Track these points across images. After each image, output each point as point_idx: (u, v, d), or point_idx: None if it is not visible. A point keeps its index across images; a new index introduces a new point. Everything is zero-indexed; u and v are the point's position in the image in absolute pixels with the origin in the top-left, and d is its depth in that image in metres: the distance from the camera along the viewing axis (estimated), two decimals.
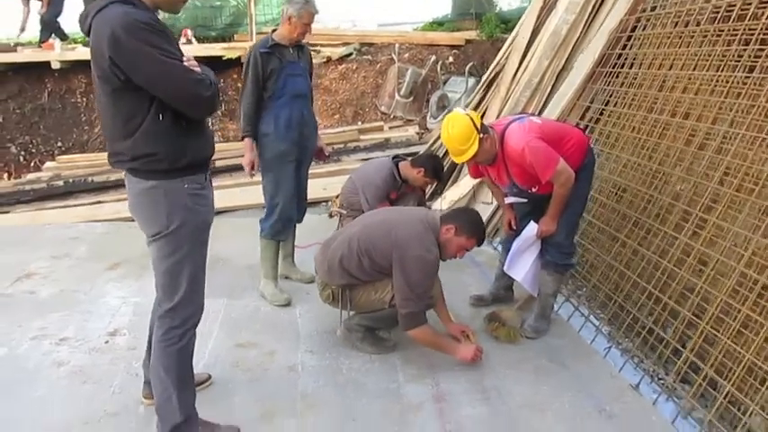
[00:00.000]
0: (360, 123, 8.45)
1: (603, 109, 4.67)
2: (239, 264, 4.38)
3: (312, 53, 4.21)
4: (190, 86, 2.11)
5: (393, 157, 4.34)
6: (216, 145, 7.50)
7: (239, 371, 3.06)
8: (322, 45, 9.92)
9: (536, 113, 5.06)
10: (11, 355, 3.19)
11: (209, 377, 2.93)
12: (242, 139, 3.78)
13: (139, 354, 2.88)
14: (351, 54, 9.71)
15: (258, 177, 3.88)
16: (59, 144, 8.34)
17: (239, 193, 6.03)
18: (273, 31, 3.74)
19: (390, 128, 8.21)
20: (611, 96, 4.67)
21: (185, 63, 2.11)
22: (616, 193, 4.13)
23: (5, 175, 7.58)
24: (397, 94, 8.56)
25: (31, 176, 7.12)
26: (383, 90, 8.84)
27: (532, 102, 5.32)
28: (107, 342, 3.33)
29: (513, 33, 6.03)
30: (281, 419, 2.69)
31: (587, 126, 4.74)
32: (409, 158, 4.34)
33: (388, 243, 2.98)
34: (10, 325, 3.50)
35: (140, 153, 2.15)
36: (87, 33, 2.13)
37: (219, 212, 5.67)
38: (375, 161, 4.58)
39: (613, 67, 4.74)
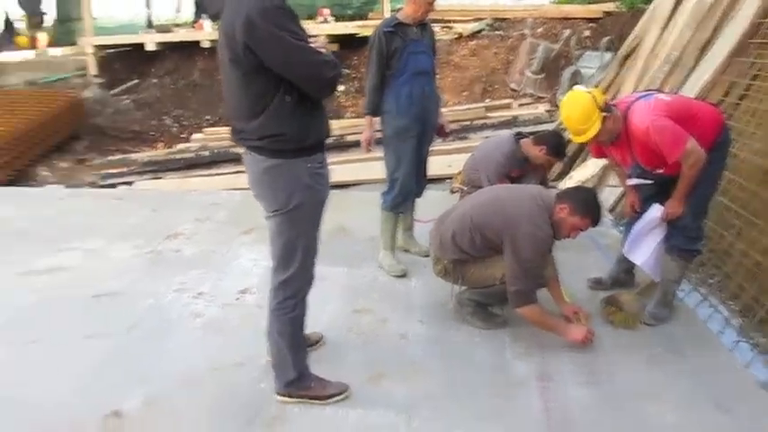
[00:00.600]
0: (488, 101, 8.37)
1: (751, 84, 4.32)
2: (361, 235, 4.56)
3: (444, 29, 4.26)
4: (318, 68, 2.22)
5: (515, 134, 4.30)
6: (347, 120, 7.80)
7: (353, 335, 3.24)
8: (454, 21, 9.88)
9: (674, 90, 4.78)
10: (156, 305, 3.59)
11: (322, 337, 3.12)
12: (365, 116, 3.95)
13: (266, 312, 3.13)
14: (482, 30, 9.59)
15: (381, 153, 4.03)
16: (207, 117, 9.02)
17: (366, 168, 6.23)
18: (398, 10, 3.83)
19: (519, 105, 8.07)
20: (759, 70, 4.30)
21: (312, 45, 2.24)
22: (758, 176, 3.82)
23: (160, 145, 8.33)
24: (527, 71, 8.37)
25: (181, 146, 7.80)
26: (514, 66, 8.67)
27: (671, 77, 5.02)
28: (238, 299, 3.64)
29: (654, 3, 5.69)
30: (388, 383, 2.82)
31: (732, 103, 4.41)
32: (531, 135, 4.28)
33: (499, 220, 3.00)
34: (158, 278, 3.92)
35: (267, 133, 2.29)
36: (214, 17, 2.31)
37: (346, 186, 5.92)
38: (497, 138, 4.56)
39: (764, 38, 4.35)
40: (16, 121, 7.74)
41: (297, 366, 2.59)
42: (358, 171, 6.20)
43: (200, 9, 10.87)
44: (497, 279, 3.10)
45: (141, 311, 3.50)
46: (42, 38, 11.72)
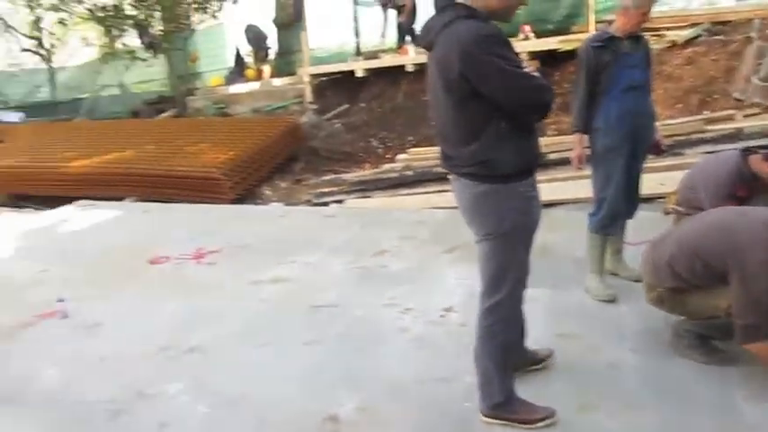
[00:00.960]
0: (707, 113, 7.68)
1: None
2: (566, 256, 4.43)
3: (654, 38, 4.04)
4: (533, 93, 2.25)
5: (743, 149, 3.90)
6: (549, 138, 7.65)
7: (559, 360, 3.13)
8: (666, 28, 9.24)
9: None
10: (367, 316, 3.81)
11: (552, 353, 3.05)
12: (573, 133, 3.86)
13: (469, 330, 3.17)
14: (698, 36, 8.85)
15: (589, 171, 3.90)
16: (410, 138, 9.38)
17: (571, 186, 6.06)
18: (610, 23, 3.71)
19: (744, 116, 7.29)
20: None
21: (526, 70, 2.26)
22: None
23: (367, 165, 8.83)
24: (754, 78, 7.55)
25: (386, 167, 8.21)
26: (737, 74, 7.87)
27: None
28: (442, 316, 3.73)
29: None
30: (598, 415, 2.70)
31: None
32: (762, 151, 3.84)
33: (726, 247, 2.73)
34: (368, 292, 4.16)
35: (480, 159, 2.33)
36: (427, 47, 2.41)
37: (550, 204, 5.79)
38: (720, 154, 4.17)
39: None
40: (244, 146, 8.73)
41: (504, 390, 2.59)
42: (562, 190, 6.04)
43: (403, 33, 11.36)
44: (722, 310, 2.82)
45: (353, 323, 3.74)
46: (267, 70, 13.08)
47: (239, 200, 7.92)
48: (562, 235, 4.70)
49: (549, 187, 6.00)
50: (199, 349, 3.55)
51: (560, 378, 2.99)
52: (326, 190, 7.84)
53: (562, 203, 5.86)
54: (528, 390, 2.76)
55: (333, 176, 8.42)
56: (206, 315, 3.99)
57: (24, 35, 17.10)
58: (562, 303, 3.76)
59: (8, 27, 17.08)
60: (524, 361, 2.95)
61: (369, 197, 7.17)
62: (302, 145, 9.59)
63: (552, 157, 6.75)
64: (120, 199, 8.02)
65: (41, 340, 3.85)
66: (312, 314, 3.90)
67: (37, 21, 16.61)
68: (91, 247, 5.81)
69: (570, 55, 9.02)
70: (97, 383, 3.25)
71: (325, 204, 7.33)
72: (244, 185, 8.20)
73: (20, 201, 8.95)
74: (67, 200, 7.95)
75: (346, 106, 10.52)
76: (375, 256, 4.85)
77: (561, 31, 11.10)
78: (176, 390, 3.13)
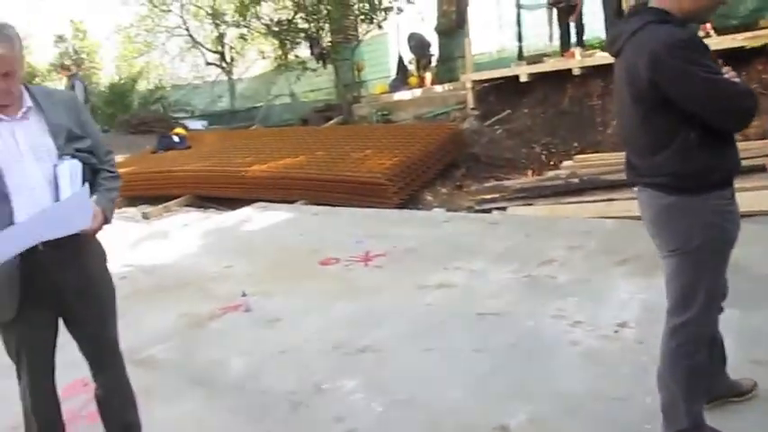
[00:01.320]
0: None
1: None
2: (762, 273, 4.04)
3: None
4: (735, 100, 2.10)
5: None
6: (741, 143, 7.02)
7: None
8: None
9: None
10: (535, 328, 3.73)
11: (755, 386, 2.76)
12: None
13: (646, 349, 3.01)
14: None
15: None
16: (575, 144, 9.05)
17: (764, 197, 5.52)
18: None
19: None
20: None
21: (726, 76, 2.10)
22: None
23: (530, 172, 8.65)
24: None
25: (550, 174, 7.98)
26: None
27: None
28: (616, 332, 3.55)
29: None
30: None
31: None
32: None
33: None
34: (535, 302, 4.08)
35: (669, 170, 2.21)
36: (616, 54, 2.32)
37: (741, 216, 5.31)
38: None
39: None
40: (408, 152, 8.91)
41: (690, 416, 2.40)
42: (756, 199, 5.52)
43: (569, 35, 10.97)
44: None
45: (521, 333, 3.68)
46: (428, 77, 13.29)
47: (402, 205, 8.10)
48: (757, 250, 4.27)
49: (738, 197, 5.52)
50: (370, 349, 3.68)
51: (755, 408, 2.72)
52: (488, 196, 7.77)
53: (754, 215, 5.34)
54: (716, 417, 2.54)
55: (494, 183, 8.34)
56: (375, 316, 4.13)
57: (209, 50, 18.86)
58: (758, 326, 3.42)
59: (195, 43, 18.94)
60: (724, 392, 2.71)
61: (531, 204, 7.01)
62: (463, 151, 9.59)
63: (744, 163, 6.18)
64: (292, 201, 8.53)
65: (228, 331, 4.21)
66: (478, 322, 3.90)
67: (220, 36, 18.26)
68: (268, 247, 6.26)
69: (758, 52, 8.21)
70: (278, 375, 3.49)
71: (488, 211, 7.27)
72: (407, 191, 8.37)
73: (204, 201, 9.81)
74: (245, 201, 8.62)
75: (508, 112, 10.38)
76: (541, 266, 4.74)
77: (746, 26, 10.15)
78: (351, 387, 3.27)
